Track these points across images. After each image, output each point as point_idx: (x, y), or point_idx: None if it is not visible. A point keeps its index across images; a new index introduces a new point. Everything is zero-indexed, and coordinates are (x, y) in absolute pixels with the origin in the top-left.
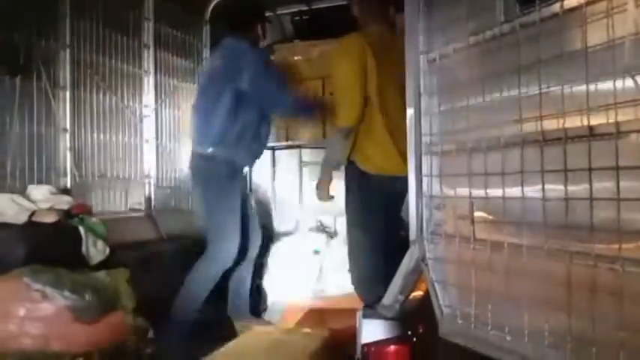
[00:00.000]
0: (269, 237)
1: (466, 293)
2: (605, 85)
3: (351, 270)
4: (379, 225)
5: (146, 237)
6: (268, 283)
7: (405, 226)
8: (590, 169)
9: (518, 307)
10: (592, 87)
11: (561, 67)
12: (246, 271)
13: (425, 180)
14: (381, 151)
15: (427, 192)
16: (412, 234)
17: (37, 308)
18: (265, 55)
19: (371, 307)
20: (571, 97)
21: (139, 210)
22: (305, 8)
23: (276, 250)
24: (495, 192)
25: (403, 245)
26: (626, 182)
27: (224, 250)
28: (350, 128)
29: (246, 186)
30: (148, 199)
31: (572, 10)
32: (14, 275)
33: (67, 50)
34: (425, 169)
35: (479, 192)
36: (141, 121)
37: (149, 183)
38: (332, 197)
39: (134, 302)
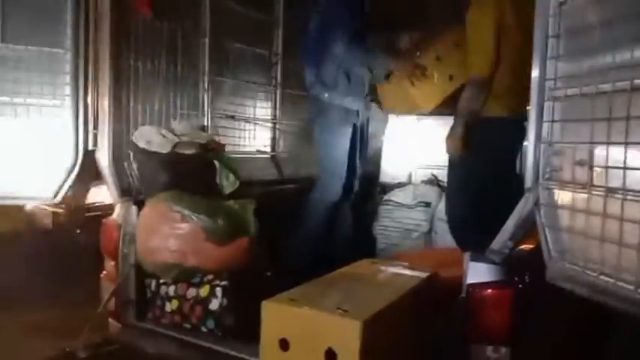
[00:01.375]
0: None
1: (578, 239)
2: None
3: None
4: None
5: (269, 176)
6: (379, 230)
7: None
8: None
9: (629, 255)
10: None
11: None
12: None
13: (545, 126)
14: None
15: (547, 138)
16: (528, 181)
17: (177, 227)
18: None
19: (478, 251)
20: None
21: (264, 152)
22: None
23: (387, 200)
24: (617, 138)
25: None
26: None
27: (328, 185)
28: (484, 77)
29: (357, 133)
30: (273, 142)
31: None
32: (159, 198)
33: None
34: (546, 115)
35: (600, 138)
36: (270, 67)
37: (275, 127)
38: (465, 151)
39: (258, 231)
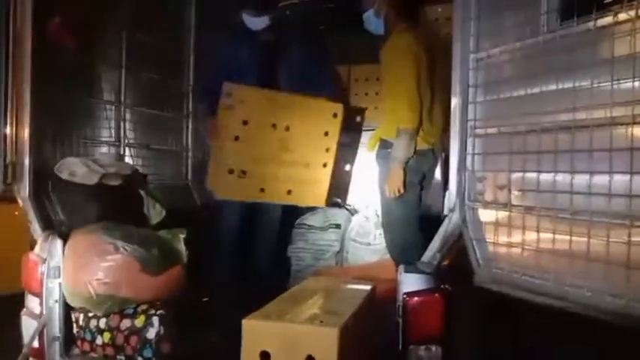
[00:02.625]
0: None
1: (501, 248)
2: (626, 86)
3: (387, 239)
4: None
5: (184, 204)
6: (293, 252)
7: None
8: (610, 150)
9: (545, 257)
10: (615, 87)
11: (591, 71)
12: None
13: (468, 157)
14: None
15: (470, 167)
16: (451, 203)
17: (109, 259)
18: None
19: (412, 264)
20: (598, 95)
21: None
22: None
23: (300, 223)
24: (530, 167)
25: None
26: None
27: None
28: (414, 128)
29: None
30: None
31: (603, 27)
32: (88, 230)
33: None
34: (469, 149)
35: (516, 167)
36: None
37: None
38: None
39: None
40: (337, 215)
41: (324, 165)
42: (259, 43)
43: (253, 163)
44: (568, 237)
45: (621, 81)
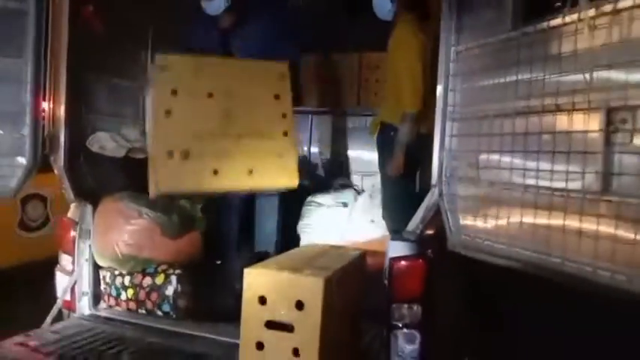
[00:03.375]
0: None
1: (469, 218)
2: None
3: (386, 214)
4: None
5: None
6: (302, 227)
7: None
8: (554, 133)
9: (502, 225)
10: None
11: (546, 64)
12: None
13: (447, 139)
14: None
15: (447, 147)
16: (433, 179)
17: (134, 223)
18: None
19: (398, 232)
20: (549, 85)
21: None
22: None
23: (310, 201)
24: (494, 147)
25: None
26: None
27: None
28: (419, 112)
29: None
30: None
31: (554, 27)
32: (115, 197)
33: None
34: (447, 131)
35: (483, 147)
36: None
37: None
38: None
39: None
40: (344, 194)
41: (285, 133)
42: (218, 25)
43: (195, 140)
44: (520, 208)
45: (564, 74)
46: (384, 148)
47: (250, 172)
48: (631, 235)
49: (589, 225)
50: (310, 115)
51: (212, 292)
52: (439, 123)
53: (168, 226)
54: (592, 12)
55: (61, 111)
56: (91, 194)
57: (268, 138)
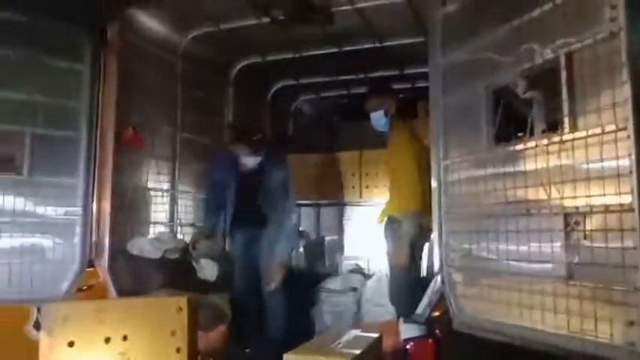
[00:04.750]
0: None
1: (468, 301)
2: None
3: (394, 298)
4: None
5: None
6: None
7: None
8: (527, 231)
9: (498, 306)
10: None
11: (515, 177)
12: None
13: (444, 235)
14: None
15: (445, 241)
16: (436, 268)
17: None
18: None
19: (408, 316)
20: (519, 193)
21: None
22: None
23: (321, 287)
24: (480, 241)
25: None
26: None
27: None
28: (421, 211)
29: None
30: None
31: (518, 150)
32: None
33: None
34: (444, 228)
35: (473, 242)
36: None
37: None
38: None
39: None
40: (354, 279)
41: None
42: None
43: None
44: (507, 291)
45: (529, 183)
46: (390, 238)
47: None
48: (591, 311)
49: (560, 303)
50: (318, 207)
51: None
52: (437, 221)
53: (202, 321)
54: (545, 141)
55: (106, 221)
56: (131, 293)
57: None
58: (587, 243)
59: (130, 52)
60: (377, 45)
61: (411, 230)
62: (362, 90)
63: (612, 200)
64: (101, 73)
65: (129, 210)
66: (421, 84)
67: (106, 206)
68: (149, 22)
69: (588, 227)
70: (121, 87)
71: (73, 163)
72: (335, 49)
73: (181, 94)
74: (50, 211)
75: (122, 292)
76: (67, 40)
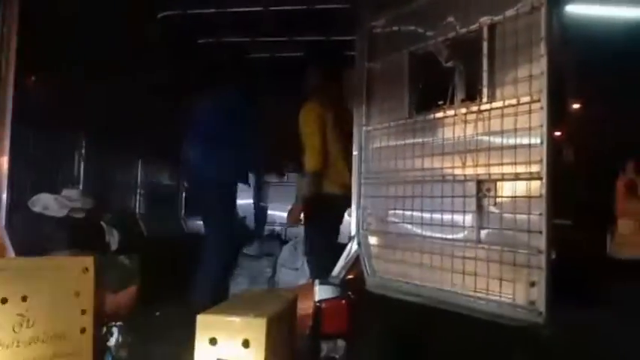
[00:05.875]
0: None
1: (382, 263)
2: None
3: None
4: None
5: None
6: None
7: None
8: (442, 197)
9: (410, 268)
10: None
11: (433, 144)
12: None
13: (362, 199)
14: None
15: (363, 205)
16: (352, 231)
17: None
18: None
19: (324, 278)
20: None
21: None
22: None
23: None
24: (396, 206)
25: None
26: None
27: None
28: (316, 171)
29: None
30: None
31: (438, 118)
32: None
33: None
34: (362, 192)
35: (389, 206)
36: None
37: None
38: (300, 220)
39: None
40: (271, 245)
41: (82, 330)
42: None
43: None
44: (419, 254)
45: (446, 151)
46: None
47: None
48: (497, 273)
49: (469, 266)
50: None
51: (153, 342)
52: (356, 186)
53: (110, 282)
54: (463, 110)
55: (3, 175)
56: (32, 253)
57: (65, 339)
58: (496, 209)
59: None
60: (304, 7)
61: (306, 190)
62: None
63: (522, 169)
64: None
65: (32, 166)
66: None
67: (4, 159)
68: None
69: (499, 194)
70: (24, 29)
71: None
72: (260, 8)
73: (94, 41)
74: None
75: (22, 252)
76: None
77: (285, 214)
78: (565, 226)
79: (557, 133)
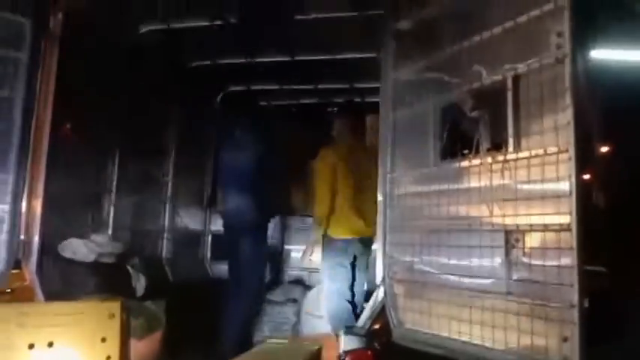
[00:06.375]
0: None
1: (409, 314)
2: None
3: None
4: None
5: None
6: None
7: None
8: (468, 247)
9: (436, 319)
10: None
11: (458, 193)
12: None
13: (387, 246)
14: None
15: (389, 254)
16: (379, 279)
17: None
18: None
19: (349, 328)
20: (462, 209)
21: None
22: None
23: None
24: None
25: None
26: None
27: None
28: (322, 218)
29: None
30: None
31: (465, 167)
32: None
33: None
34: (388, 239)
35: (415, 256)
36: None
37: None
38: (310, 260)
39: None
40: (294, 290)
41: None
42: None
43: None
44: (447, 305)
45: (472, 199)
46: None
47: None
48: (528, 326)
49: (498, 319)
50: None
51: None
52: (381, 234)
53: (135, 328)
54: (489, 159)
55: (37, 220)
56: (60, 298)
57: None
58: (526, 260)
59: (74, 44)
60: (329, 57)
61: (312, 234)
62: (311, 100)
63: (551, 220)
64: (41, 64)
65: (63, 210)
66: (371, 99)
67: (38, 204)
68: (95, 15)
69: (528, 245)
70: (61, 80)
71: (4, 156)
72: (287, 58)
73: (124, 92)
74: None
75: (51, 297)
76: (7, 27)
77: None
78: (599, 273)
79: (587, 177)
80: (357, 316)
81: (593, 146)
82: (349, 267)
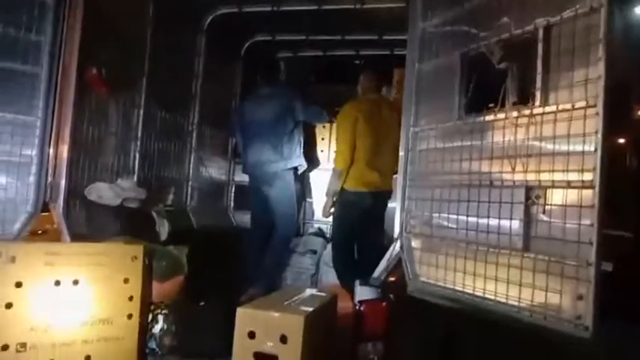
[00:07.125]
0: None
1: (424, 267)
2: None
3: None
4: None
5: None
6: None
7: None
8: (488, 202)
9: (452, 273)
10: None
11: (482, 148)
12: None
13: (407, 201)
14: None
15: (407, 208)
16: (396, 233)
17: None
18: None
19: (365, 279)
20: (484, 164)
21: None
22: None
23: None
24: (442, 210)
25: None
26: None
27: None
28: (341, 170)
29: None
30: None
31: (488, 121)
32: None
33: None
34: (407, 195)
35: (434, 210)
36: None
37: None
38: (331, 214)
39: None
40: (314, 242)
41: (129, 316)
42: None
43: (32, 332)
44: (463, 260)
45: (495, 155)
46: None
47: (88, 358)
48: (543, 284)
49: (514, 275)
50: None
51: (196, 331)
52: (400, 188)
53: (156, 270)
54: (515, 113)
55: (64, 163)
56: (86, 239)
57: (112, 324)
58: (545, 217)
59: None
60: (357, 6)
61: (332, 186)
62: (338, 52)
63: (574, 177)
64: (66, 6)
65: (89, 154)
66: (399, 52)
67: (65, 148)
68: None
69: (548, 202)
70: (87, 23)
71: (31, 100)
72: (314, 7)
73: (151, 39)
74: (5, 148)
75: (77, 238)
76: None
77: None
78: (627, 238)
79: (621, 140)
80: (363, 270)
81: (629, 106)
82: (357, 220)
